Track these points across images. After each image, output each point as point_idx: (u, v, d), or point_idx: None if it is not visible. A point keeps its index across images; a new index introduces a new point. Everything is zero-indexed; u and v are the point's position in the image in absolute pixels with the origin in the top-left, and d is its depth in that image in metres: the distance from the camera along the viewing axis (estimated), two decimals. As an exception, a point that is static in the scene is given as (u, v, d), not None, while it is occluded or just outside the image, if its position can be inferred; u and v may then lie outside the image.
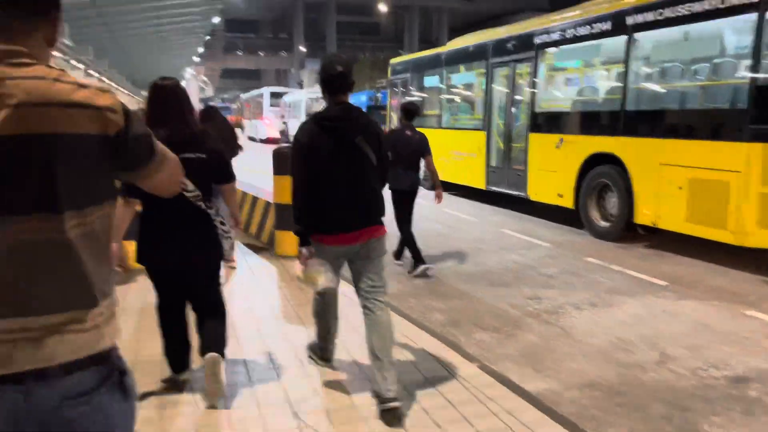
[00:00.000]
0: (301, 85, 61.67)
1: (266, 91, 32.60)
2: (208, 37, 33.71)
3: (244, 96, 44.53)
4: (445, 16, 66.22)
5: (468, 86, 12.30)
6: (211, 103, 6.51)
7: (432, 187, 6.55)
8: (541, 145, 9.22)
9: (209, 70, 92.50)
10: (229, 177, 3.35)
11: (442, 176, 12.78)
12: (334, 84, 3.14)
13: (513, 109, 10.15)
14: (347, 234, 3.15)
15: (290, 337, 4.18)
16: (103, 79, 38.86)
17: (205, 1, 21.71)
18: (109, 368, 1.31)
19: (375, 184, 3.24)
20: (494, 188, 10.61)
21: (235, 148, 6.87)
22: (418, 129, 6.23)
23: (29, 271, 1.21)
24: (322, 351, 3.64)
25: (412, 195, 6.17)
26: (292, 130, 24.30)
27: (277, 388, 3.38)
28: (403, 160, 5.96)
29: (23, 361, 1.20)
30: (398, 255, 6.49)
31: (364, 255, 3.19)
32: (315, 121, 3.17)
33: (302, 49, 68.97)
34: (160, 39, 28.05)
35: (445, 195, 12.07)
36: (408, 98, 13.96)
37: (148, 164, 1.44)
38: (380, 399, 3.03)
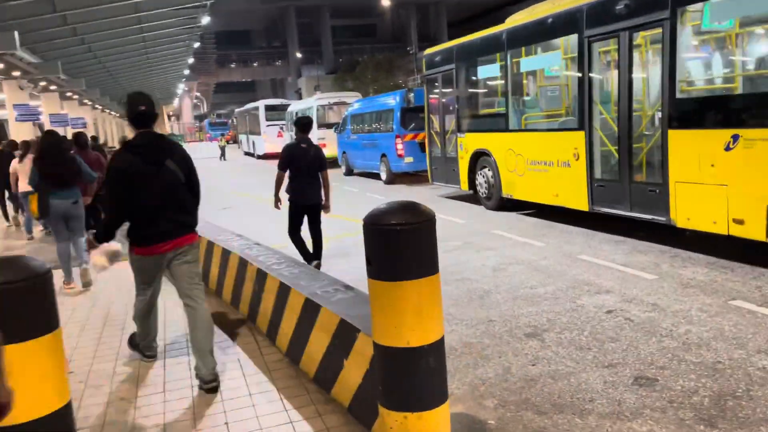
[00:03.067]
0: (299, 94, 58.54)
1: (261, 104, 29.96)
2: (197, 44, 30.73)
3: (237, 110, 41.40)
4: (444, 10, 63.28)
5: (548, 72, 9.29)
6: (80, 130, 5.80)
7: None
8: (692, 146, 6.21)
9: (203, 86, 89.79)
10: None
11: (516, 194, 9.78)
12: (139, 120, 3.69)
13: (631, 98, 7.13)
14: (163, 244, 3.68)
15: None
16: (97, 106, 36.41)
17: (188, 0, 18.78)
18: None
19: (185, 198, 3.75)
20: (604, 209, 7.58)
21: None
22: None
23: None
24: (145, 348, 4.21)
25: (316, 208, 6.40)
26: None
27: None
28: (303, 174, 6.14)
29: None
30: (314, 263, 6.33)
31: (181, 260, 3.74)
32: (128, 149, 3.69)
33: (298, 55, 66.08)
34: (145, 51, 25.19)
35: (534, 221, 9.07)
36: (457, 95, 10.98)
37: None
38: (204, 381, 3.71)
